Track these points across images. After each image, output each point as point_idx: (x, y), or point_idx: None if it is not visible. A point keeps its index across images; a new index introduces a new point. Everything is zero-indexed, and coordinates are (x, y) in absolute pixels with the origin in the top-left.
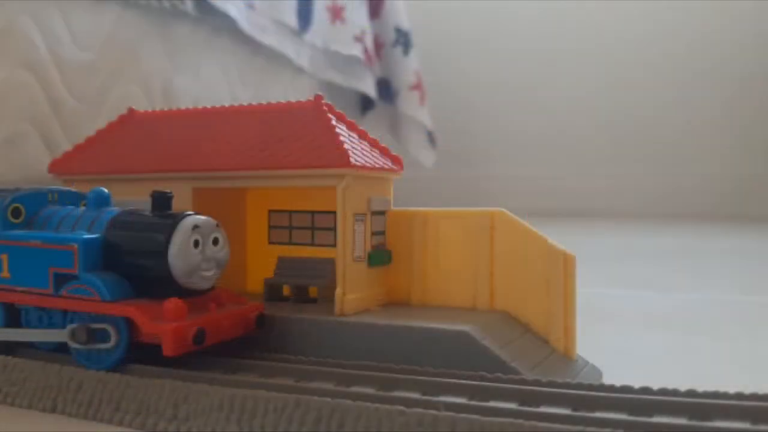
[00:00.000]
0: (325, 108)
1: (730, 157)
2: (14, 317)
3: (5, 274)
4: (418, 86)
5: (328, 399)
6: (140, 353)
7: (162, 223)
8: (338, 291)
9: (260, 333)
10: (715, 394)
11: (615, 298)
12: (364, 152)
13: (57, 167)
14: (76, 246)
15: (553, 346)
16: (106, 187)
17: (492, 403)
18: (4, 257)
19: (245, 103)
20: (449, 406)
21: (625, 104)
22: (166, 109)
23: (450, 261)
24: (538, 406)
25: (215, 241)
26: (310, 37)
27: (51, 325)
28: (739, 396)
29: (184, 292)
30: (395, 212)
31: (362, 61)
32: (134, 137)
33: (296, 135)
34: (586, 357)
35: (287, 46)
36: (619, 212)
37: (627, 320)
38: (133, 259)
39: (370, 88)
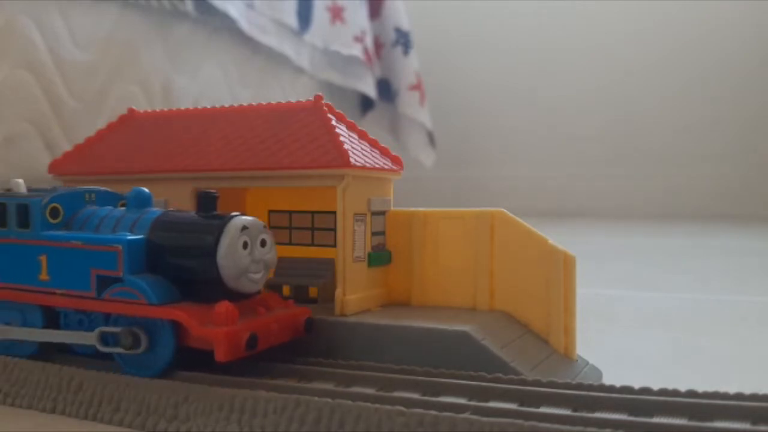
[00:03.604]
0: (325, 108)
1: (730, 157)
2: (52, 321)
3: (44, 276)
4: (418, 86)
5: (328, 399)
6: (187, 358)
7: (210, 224)
8: (338, 291)
9: (309, 337)
10: (715, 395)
11: (615, 298)
12: (364, 152)
13: (57, 167)
14: (120, 247)
15: (553, 347)
16: (106, 188)
17: (492, 404)
18: (43, 258)
19: (245, 103)
20: (449, 407)
21: (625, 104)
22: (166, 109)
23: (450, 261)
24: (538, 406)
25: (263, 243)
26: (310, 37)
27: (92, 330)
28: (739, 396)
29: (232, 296)
30: (395, 212)
31: (362, 61)
32: (134, 137)
33: (296, 135)
34: (586, 357)
35: (287, 46)
36: (619, 212)
37: (627, 320)
38: (180, 261)
39: (370, 89)
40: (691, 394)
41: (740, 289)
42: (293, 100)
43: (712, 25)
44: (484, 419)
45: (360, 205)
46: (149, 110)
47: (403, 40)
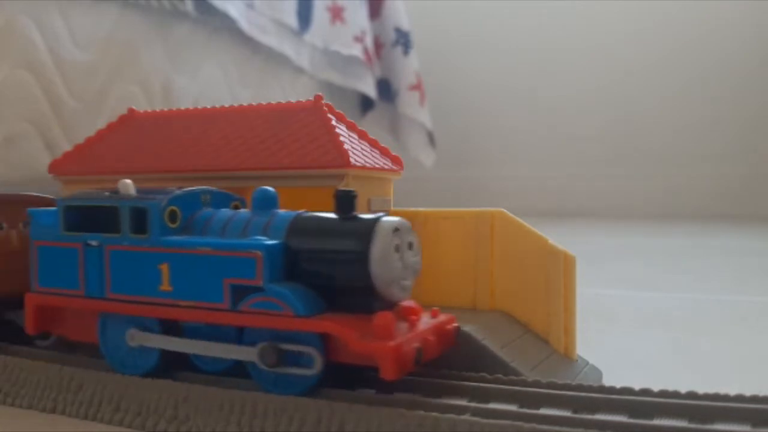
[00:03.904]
0: (325, 108)
1: (730, 157)
2: (173, 335)
3: (166, 286)
4: (418, 86)
5: (329, 401)
6: (337, 376)
7: (358, 226)
8: None
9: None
10: (716, 397)
11: (615, 298)
12: (364, 152)
13: (57, 167)
14: (260, 253)
15: (553, 347)
16: (105, 188)
17: (492, 405)
18: (165, 267)
19: (245, 103)
20: (449, 408)
21: (625, 104)
22: (166, 109)
23: (450, 261)
24: (538, 408)
25: (410, 246)
26: (309, 37)
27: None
28: (740, 398)
29: (382, 305)
30: (395, 212)
31: (362, 61)
32: (134, 137)
33: (296, 135)
34: (586, 357)
35: (287, 46)
36: (619, 212)
37: (627, 320)
38: (323, 268)
39: (370, 89)
40: (692, 395)
41: (740, 289)
42: (293, 100)
43: (712, 25)
44: (484, 421)
45: (360, 205)
46: (149, 110)
47: (403, 40)
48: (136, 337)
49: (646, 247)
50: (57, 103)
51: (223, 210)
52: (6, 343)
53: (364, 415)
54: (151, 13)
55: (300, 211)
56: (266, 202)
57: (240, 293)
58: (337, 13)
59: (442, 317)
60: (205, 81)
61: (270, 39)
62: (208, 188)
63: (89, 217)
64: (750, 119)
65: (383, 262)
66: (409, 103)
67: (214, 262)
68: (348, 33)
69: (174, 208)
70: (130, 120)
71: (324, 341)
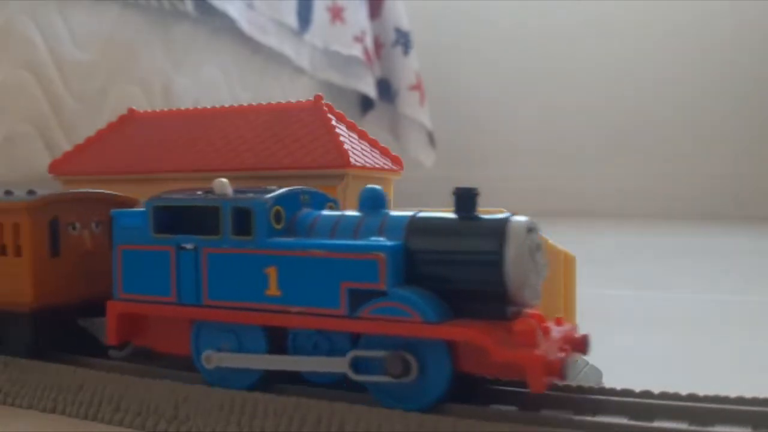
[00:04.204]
0: (325, 108)
1: (731, 157)
2: (277, 344)
3: (273, 291)
4: (418, 86)
5: (328, 401)
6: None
7: (488, 225)
8: None
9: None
10: (716, 399)
11: (615, 298)
12: (364, 152)
13: (57, 167)
14: (383, 255)
15: None
16: (106, 188)
17: (492, 407)
18: (272, 271)
19: (245, 103)
20: (449, 410)
21: (626, 104)
22: (166, 109)
23: None
24: (538, 410)
25: (538, 247)
26: (309, 37)
27: (332, 354)
28: (740, 400)
29: (513, 311)
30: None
31: (362, 61)
32: (134, 137)
33: (296, 135)
34: (586, 357)
35: (287, 46)
36: (619, 212)
37: (627, 320)
38: (449, 271)
39: (370, 89)
40: (692, 397)
41: (741, 289)
42: (293, 100)
43: (714, 24)
44: (485, 423)
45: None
46: (149, 110)
47: (403, 40)
48: (214, 359)
49: (647, 247)
50: (57, 103)
51: (329, 211)
52: (77, 355)
53: (364, 415)
54: (151, 13)
55: (414, 210)
56: (374, 202)
57: (359, 298)
58: (337, 13)
59: (567, 325)
60: (205, 81)
61: (270, 39)
62: (307, 188)
63: (182, 218)
64: (751, 119)
65: (519, 264)
66: (409, 103)
67: (330, 265)
68: (348, 33)
69: (279, 208)
70: (130, 120)
71: (452, 351)
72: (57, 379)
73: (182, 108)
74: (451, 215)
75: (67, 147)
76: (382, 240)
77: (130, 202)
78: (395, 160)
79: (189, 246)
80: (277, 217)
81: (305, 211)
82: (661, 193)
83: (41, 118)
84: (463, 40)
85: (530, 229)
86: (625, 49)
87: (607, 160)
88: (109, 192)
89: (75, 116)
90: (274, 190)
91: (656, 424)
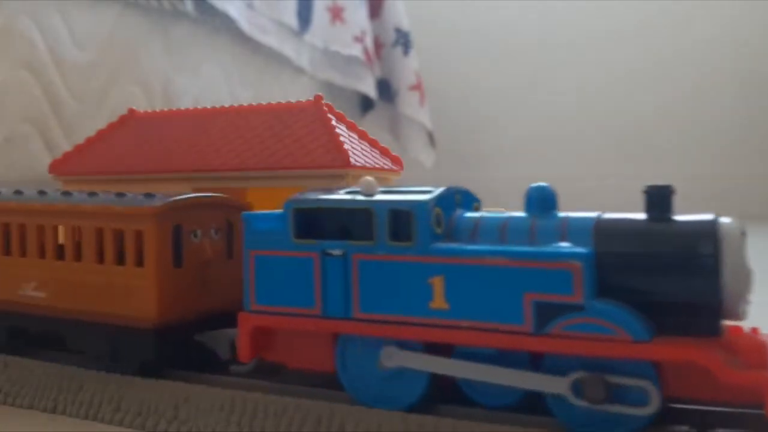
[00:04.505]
0: (325, 108)
1: (732, 158)
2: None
3: (439, 303)
4: (417, 86)
5: (328, 402)
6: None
7: (695, 227)
8: None
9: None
10: (717, 401)
11: None
12: (364, 152)
13: (57, 167)
14: (578, 264)
15: None
16: (105, 188)
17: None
18: (438, 281)
19: (245, 103)
20: (450, 411)
21: (626, 104)
22: (166, 109)
23: None
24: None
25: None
26: (310, 37)
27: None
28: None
29: (719, 326)
30: None
31: (362, 61)
32: (134, 137)
33: (296, 135)
34: None
35: (287, 46)
36: (620, 212)
37: None
38: (650, 280)
39: (370, 89)
40: (693, 400)
41: None
42: (293, 100)
43: (715, 24)
44: (485, 423)
45: None
46: (149, 110)
47: (403, 40)
48: (396, 357)
49: None
50: (57, 103)
51: (492, 213)
52: (195, 372)
53: (365, 415)
54: (151, 13)
55: (597, 212)
56: (545, 202)
57: (547, 312)
58: (337, 13)
59: (759, 338)
60: (205, 81)
61: (270, 39)
62: (458, 187)
63: (327, 222)
64: (751, 120)
65: (737, 271)
66: (409, 103)
67: (512, 274)
68: (348, 33)
69: (439, 210)
70: (130, 120)
71: (658, 372)
72: (58, 379)
73: (182, 108)
74: (641, 216)
75: (67, 147)
76: (572, 246)
77: (246, 207)
78: (395, 160)
79: (336, 252)
80: (438, 221)
81: (459, 212)
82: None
83: (41, 118)
84: (463, 40)
85: (743, 232)
86: (626, 49)
87: (607, 160)
88: (226, 196)
89: (75, 116)
90: (431, 191)
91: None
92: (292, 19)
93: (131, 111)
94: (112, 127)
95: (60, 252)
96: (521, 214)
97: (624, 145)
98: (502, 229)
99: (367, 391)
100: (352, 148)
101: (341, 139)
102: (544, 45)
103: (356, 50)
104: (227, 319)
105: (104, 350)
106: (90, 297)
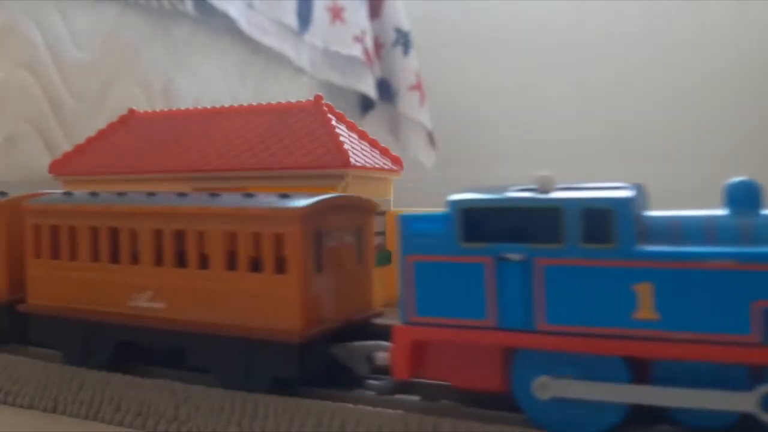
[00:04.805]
0: (325, 108)
1: (733, 158)
2: (640, 379)
3: (646, 313)
4: (418, 87)
5: (329, 402)
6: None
7: None
8: None
9: None
10: None
11: None
12: (364, 153)
13: (57, 167)
14: None
15: None
16: (106, 188)
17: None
18: (645, 288)
19: (245, 103)
20: (450, 411)
21: (628, 104)
22: (166, 109)
23: None
24: None
25: None
26: (309, 37)
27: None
28: None
29: None
30: (395, 212)
31: (362, 61)
32: (134, 137)
33: (296, 135)
34: None
35: (287, 46)
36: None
37: None
38: None
39: (370, 89)
40: None
41: None
42: (293, 100)
43: (717, 25)
44: (485, 424)
45: None
46: (149, 110)
47: (403, 40)
48: (551, 387)
49: None
50: (57, 103)
51: (683, 212)
52: (329, 389)
53: (365, 415)
54: (151, 13)
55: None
56: (749, 198)
57: None
58: (337, 13)
59: None
60: (205, 81)
61: (270, 39)
62: (637, 183)
63: (501, 223)
64: (754, 120)
65: None
66: (409, 103)
67: (738, 278)
68: (348, 33)
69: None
70: (130, 120)
71: None
72: (58, 378)
73: (182, 108)
74: None
75: (67, 147)
76: None
77: (375, 207)
78: (395, 160)
79: (515, 257)
80: (637, 220)
81: (644, 210)
82: (662, 193)
83: (41, 118)
84: (463, 39)
85: None
86: (627, 49)
87: (607, 160)
88: (358, 196)
89: (75, 116)
90: (624, 186)
91: (657, 427)
92: (292, 19)
93: (131, 111)
94: (113, 127)
95: (181, 259)
96: (720, 212)
97: (624, 145)
98: (710, 229)
99: (555, 415)
100: (352, 148)
101: (341, 139)
102: (545, 45)
103: (356, 50)
104: (359, 329)
105: (236, 366)
106: (219, 308)
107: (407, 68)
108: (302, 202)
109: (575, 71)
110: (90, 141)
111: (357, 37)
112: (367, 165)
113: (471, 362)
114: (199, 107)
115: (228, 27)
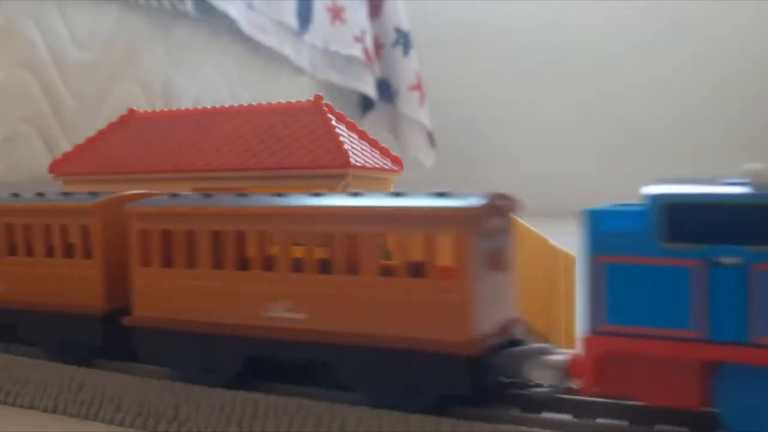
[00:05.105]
0: (325, 108)
1: (734, 158)
2: None
3: None
4: (417, 86)
5: (329, 403)
6: None
7: None
8: None
9: None
10: None
11: None
12: (364, 152)
13: (57, 167)
14: None
15: None
16: (106, 188)
17: (493, 409)
18: None
19: (245, 103)
20: (450, 411)
21: (627, 105)
22: (166, 109)
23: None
24: (539, 412)
25: None
26: (309, 37)
27: None
28: None
29: None
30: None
31: (362, 61)
32: (134, 137)
33: (296, 135)
34: None
35: (287, 46)
36: None
37: None
38: None
39: (370, 89)
40: None
41: None
42: (293, 100)
43: (717, 26)
44: (485, 424)
45: None
46: (149, 110)
47: (403, 40)
48: None
49: None
50: (57, 103)
51: None
52: (480, 408)
53: (365, 416)
54: (151, 13)
55: None
56: None
57: None
58: (337, 13)
59: None
60: (205, 81)
61: (270, 39)
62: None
63: (710, 222)
64: (755, 120)
65: None
66: (409, 103)
67: None
68: (348, 33)
69: None
70: (130, 120)
71: None
72: (58, 378)
73: (182, 108)
74: None
75: (67, 147)
76: None
77: (518, 206)
78: (395, 160)
79: (729, 260)
80: None
81: None
82: None
83: (41, 118)
84: (463, 40)
85: None
86: (627, 50)
87: (607, 160)
88: (506, 194)
89: (75, 116)
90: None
91: (657, 427)
92: (292, 19)
93: (131, 111)
94: (113, 127)
95: (323, 265)
96: None
97: (625, 145)
98: None
99: None
100: (352, 148)
101: (341, 139)
102: (545, 45)
103: (356, 50)
104: (509, 339)
105: (399, 383)
106: (374, 318)
107: (407, 68)
108: (471, 201)
109: (575, 71)
110: (90, 141)
111: (357, 37)
112: (367, 165)
113: (661, 376)
114: (199, 107)
115: (228, 27)
